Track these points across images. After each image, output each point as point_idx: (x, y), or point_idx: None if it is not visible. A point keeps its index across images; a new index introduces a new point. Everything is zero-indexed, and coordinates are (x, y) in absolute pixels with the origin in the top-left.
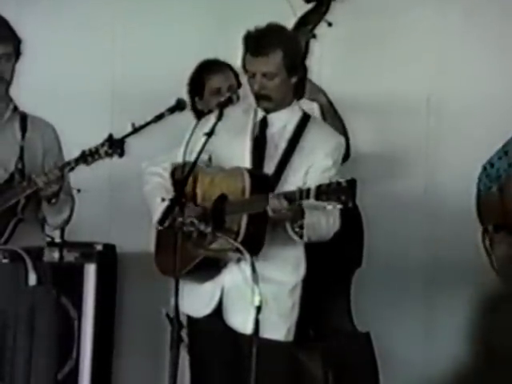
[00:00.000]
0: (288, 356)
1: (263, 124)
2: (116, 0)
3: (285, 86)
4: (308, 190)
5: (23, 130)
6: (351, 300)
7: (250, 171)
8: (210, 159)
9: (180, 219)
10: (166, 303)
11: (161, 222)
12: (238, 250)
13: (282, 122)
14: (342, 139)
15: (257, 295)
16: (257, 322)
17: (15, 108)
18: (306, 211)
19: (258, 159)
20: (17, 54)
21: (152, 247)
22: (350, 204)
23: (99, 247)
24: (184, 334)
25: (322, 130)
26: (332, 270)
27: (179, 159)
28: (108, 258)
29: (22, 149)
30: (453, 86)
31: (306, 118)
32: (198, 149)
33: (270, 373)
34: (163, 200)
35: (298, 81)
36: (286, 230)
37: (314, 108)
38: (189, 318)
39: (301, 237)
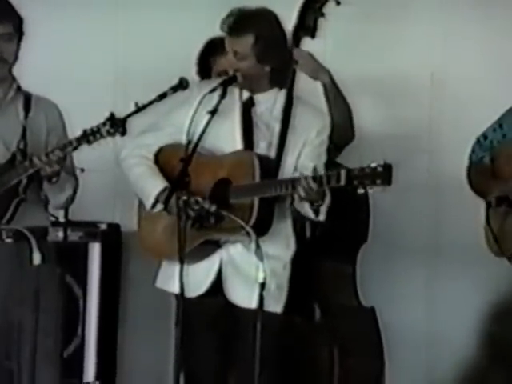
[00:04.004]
0: (287, 329)
1: (250, 103)
2: None
3: (255, 71)
4: (338, 175)
5: (26, 109)
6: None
7: (258, 155)
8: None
9: (184, 198)
10: None
11: (154, 205)
12: (243, 229)
13: (270, 101)
14: (329, 118)
15: (261, 272)
16: (261, 298)
17: (19, 88)
18: (326, 192)
19: (249, 139)
20: (19, 33)
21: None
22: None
23: (103, 226)
24: None
25: (310, 109)
26: (338, 244)
27: (166, 141)
28: (112, 237)
29: (24, 129)
30: (457, 64)
31: (290, 98)
32: (199, 128)
33: (269, 345)
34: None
35: (274, 70)
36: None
37: (316, 87)
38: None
39: (316, 214)
